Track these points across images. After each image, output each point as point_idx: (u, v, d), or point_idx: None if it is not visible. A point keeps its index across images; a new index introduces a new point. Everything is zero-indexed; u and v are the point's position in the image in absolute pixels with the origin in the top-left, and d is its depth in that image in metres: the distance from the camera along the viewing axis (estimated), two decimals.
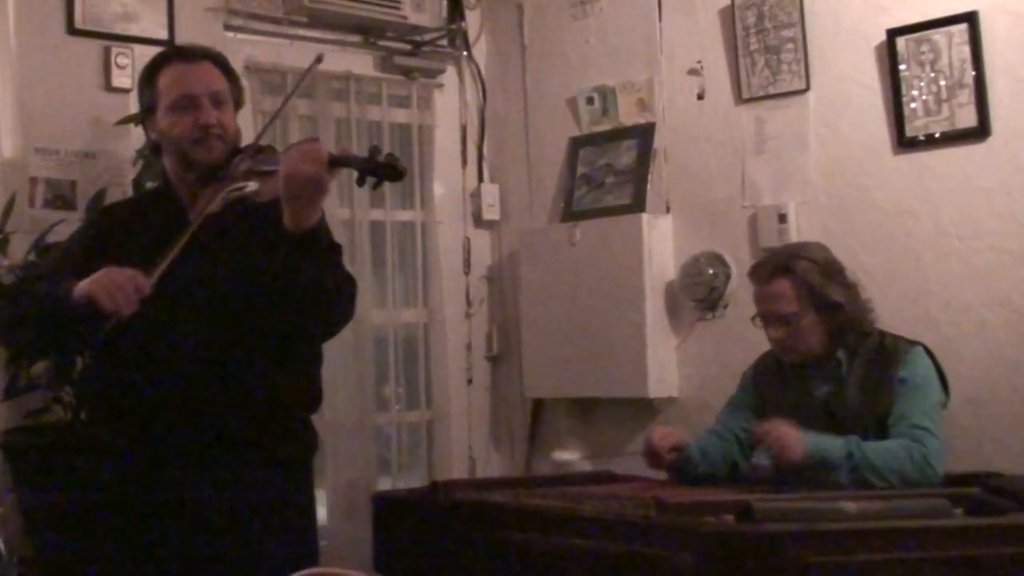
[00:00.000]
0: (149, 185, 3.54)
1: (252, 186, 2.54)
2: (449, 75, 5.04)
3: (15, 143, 3.86)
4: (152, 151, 2.78)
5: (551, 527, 2.79)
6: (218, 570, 2.56)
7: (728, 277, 4.22)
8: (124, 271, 2.38)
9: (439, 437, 4.84)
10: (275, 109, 4.04)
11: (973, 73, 3.64)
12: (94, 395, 2.75)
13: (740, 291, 4.02)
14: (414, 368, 4.86)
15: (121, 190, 3.86)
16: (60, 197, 3.89)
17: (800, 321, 3.14)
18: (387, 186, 4.61)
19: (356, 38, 4.76)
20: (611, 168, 4.59)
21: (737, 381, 3.46)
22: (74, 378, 3.44)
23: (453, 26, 4.96)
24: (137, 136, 3.60)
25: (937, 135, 3.73)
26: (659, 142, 4.48)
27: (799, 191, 4.07)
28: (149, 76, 2.69)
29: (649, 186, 4.47)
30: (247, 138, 2.74)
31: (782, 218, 4.07)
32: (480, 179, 5.10)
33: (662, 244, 4.40)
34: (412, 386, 4.87)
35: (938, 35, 3.71)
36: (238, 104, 2.72)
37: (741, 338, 3.63)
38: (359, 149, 2.47)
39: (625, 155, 4.56)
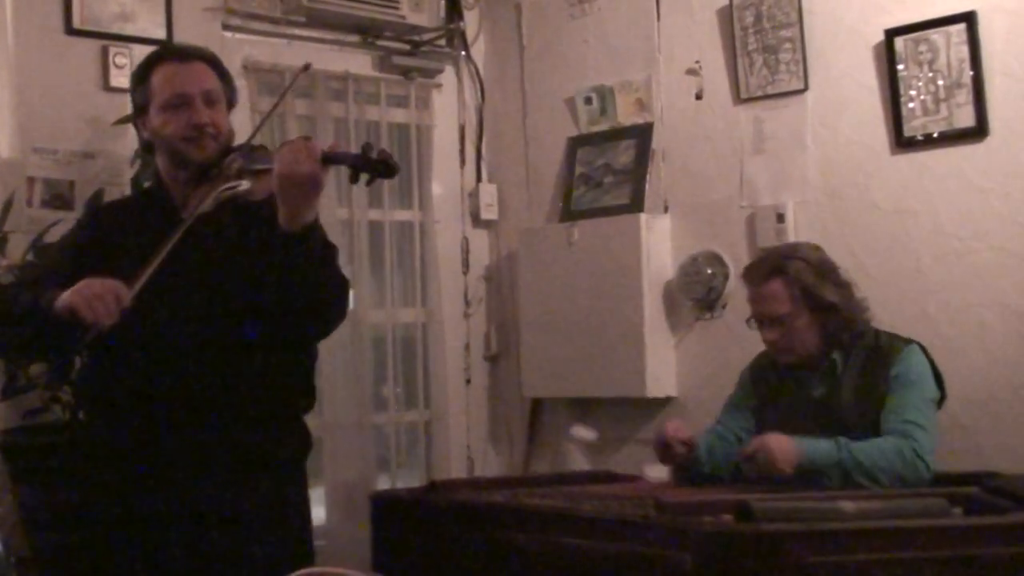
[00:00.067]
0: (146, 185, 3.54)
1: (245, 185, 2.54)
2: (447, 75, 5.04)
3: (13, 143, 3.86)
4: (144, 150, 2.78)
5: (550, 527, 2.79)
6: (215, 570, 2.56)
7: (726, 277, 4.22)
8: (105, 282, 2.37)
9: (437, 437, 4.84)
10: (276, 111, 4.05)
11: (971, 73, 3.64)
12: (90, 395, 2.75)
13: (738, 291, 4.01)
14: (412, 368, 4.86)
15: (119, 190, 3.86)
16: (58, 197, 3.89)
17: (794, 322, 3.14)
18: (385, 186, 4.68)
19: (354, 38, 4.76)
20: (609, 168, 4.59)
21: (735, 380, 3.46)
22: (73, 378, 3.44)
23: (451, 26, 4.96)
24: (135, 136, 3.59)
25: (935, 135, 3.73)
26: (657, 142, 4.48)
27: (797, 191, 4.07)
28: (142, 75, 2.69)
29: (647, 186, 4.47)
30: (244, 138, 2.74)
31: (780, 218, 4.08)
32: (478, 179, 5.10)
33: (660, 244, 4.40)
34: (410, 386, 4.87)
35: (936, 35, 3.71)
36: (231, 104, 2.72)
37: (739, 338, 3.63)
38: (357, 149, 2.47)
39: (623, 155, 4.56)
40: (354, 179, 2.45)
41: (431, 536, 3.10)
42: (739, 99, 4.24)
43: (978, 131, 3.64)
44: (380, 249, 4.74)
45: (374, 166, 2.42)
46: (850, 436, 2.99)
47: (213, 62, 2.71)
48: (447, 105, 5.04)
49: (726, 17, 4.26)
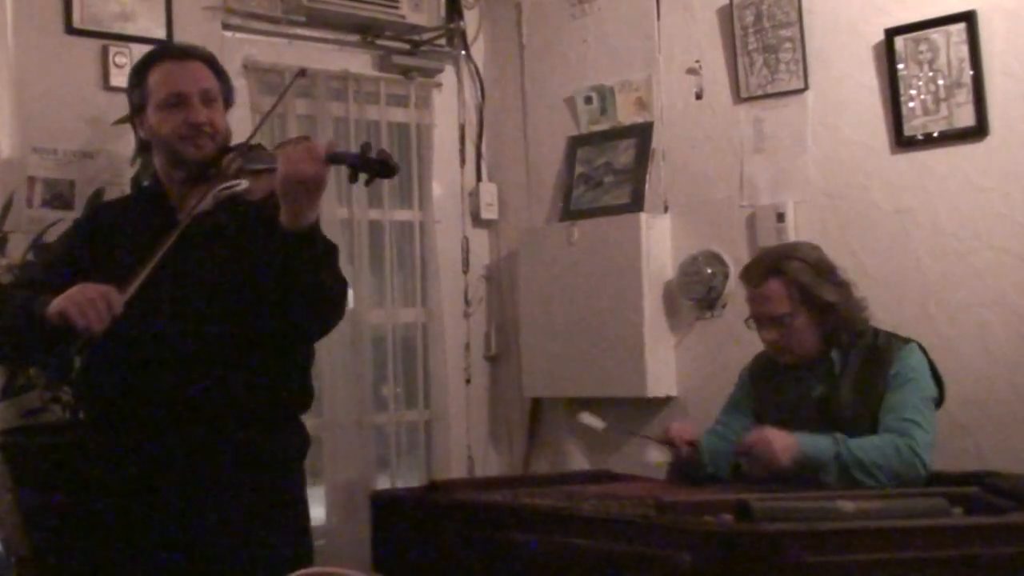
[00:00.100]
0: (145, 184, 3.55)
1: (244, 184, 2.54)
2: (447, 74, 5.04)
3: (13, 142, 3.86)
4: (141, 150, 2.78)
5: (550, 526, 2.79)
6: (214, 570, 2.56)
7: (726, 276, 4.22)
8: (98, 287, 2.37)
9: (437, 436, 4.84)
10: (275, 111, 4.05)
11: (971, 72, 3.64)
12: (88, 395, 2.75)
13: (738, 290, 4.00)
14: (412, 367, 4.86)
15: (119, 189, 3.86)
16: (58, 196, 3.89)
17: (793, 322, 3.14)
18: (386, 186, 4.68)
19: (354, 37, 4.76)
20: (609, 167, 4.59)
21: (735, 380, 3.46)
22: (73, 378, 3.44)
23: (451, 25, 4.96)
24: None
25: (935, 134, 3.73)
26: (657, 141, 4.48)
27: (797, 190, 4.07)
28: (139, 74, 2.69)
29: (647, 185, 4.47)
30: (244, 138, 2.74)
31: (780, 217, 4.08)
32: (478, 178, 5.10)
33: (660, 243, 4.40)
34: (410, 386, 4.86)
35: (936, 34, 3.71)
36: (228, 103, 2.72)
37: (739, 337, 3.63)
38: (356, 149, 2.47)
39: (623, 154, 4.56)
40: (353, 179, 2.45)
41: (431, 536, 3.10)
42: (739, 99, 4.24)
43: (978, 131, 3.64)
44: (380, 249, 4.73)
45: (373, 166, 2.43)
46: (849, 435, 2.99)
47: (210, 61, 2.71)
48: (447, 105, 5.04)
49: (726, 16, 4.26)
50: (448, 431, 4.87)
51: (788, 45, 4.07)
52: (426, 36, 4.88)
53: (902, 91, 3.79)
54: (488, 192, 5.06)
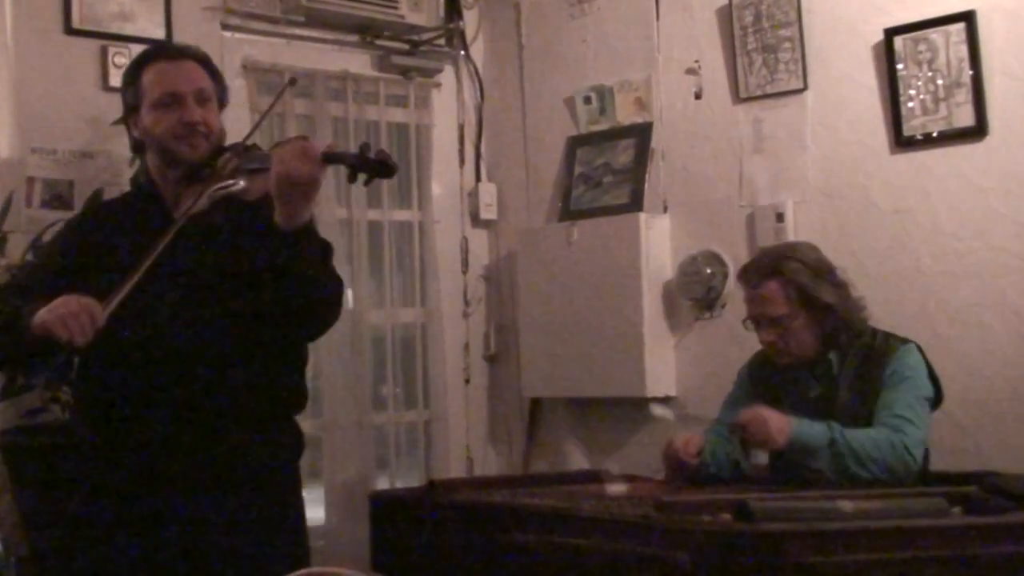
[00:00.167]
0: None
1: (240, 184, 2.53)
2: (447, 74, 5.04)
3: (12, 143, 3.85)
4: (134, 150, 2.77)
5: (549, 526, 2.79)
6: (212, 570, 2.56)
7: (726, 276, 4.22)
8: (81, 300, 2.35)
9: (437, 436, 4.84)
10: (275, 111, 4.05)
11: (971, 72, 3.64)
12: (86, 395, 2.75)
13: (737, 290, 3.99)
14: (412, 368, 4.86)
15: (119, 189, 3.85)
16: (57, 197, 3.89)
17: (791, 323, 3.13)
18: (385, 186, 4.68)
19: (354, 37, 4.76)
20: (609, 167, 4.59)
21: (735, 379, 3.46)
22: (72, 378, 3.44)
23: (451, 25, 4.96)
24: None
25: (935, 134, 3.73)
26: (656, 141, 4.48)
27: (797, 190, 4.07)
28: (132, 74, 2.68)
29: (647, 185, 4.47)
30: (241, 139, 2.73)
31: (779, 217, 4.08)
32: (478, 178, 5.09)
33: (660, 243, 4.40)
34: (410, 386, 4.86)
35: (936, 34, 3.71)
36: (222, 103, 2.72)
37: (739, 337, 3.63)
38: (355, 149, 2.47)
39: (623, 154, 4.56)
40: (352, 179, 2.45)
41: (430, 536, 3.10)
42: (738, 98, 4.24)
43: (977, 130, 3.64)
44: (379, 249, 4.73)
45: (372, 166, 2.42)
46: None
47: (204, 61, 2.70)
48: (446, 105, 5.04)
49: (725, 16, 4.26)
50: (447, 431, 4.87)
51: (787, 45, 4.07)
52: (425, 36, 4.88)
53: (901, 91, 3.79)
54: (487, 192, 5.06)
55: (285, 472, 2.72)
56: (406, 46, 4.88)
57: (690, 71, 4.39)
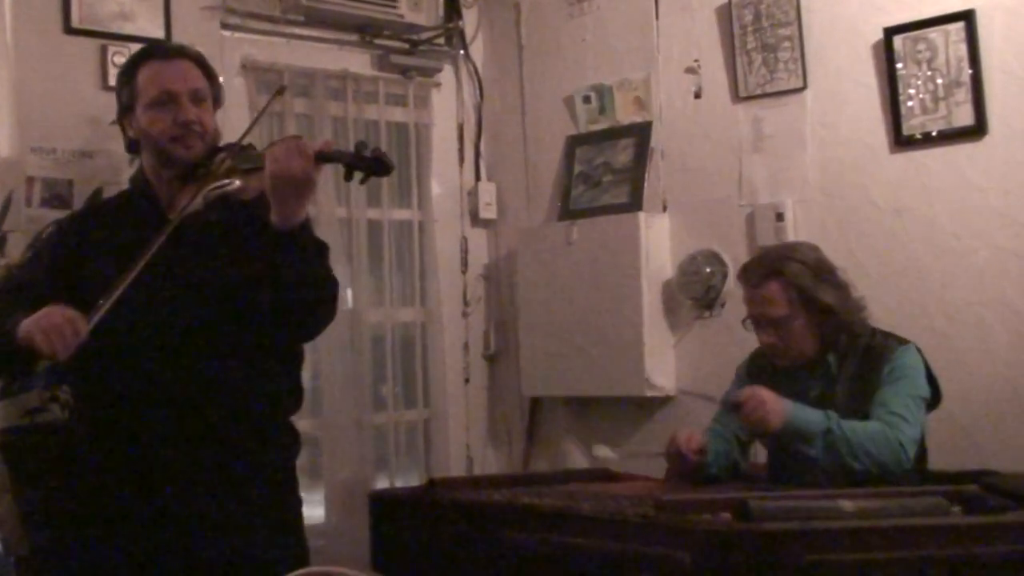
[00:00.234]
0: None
1: (236, 184, 2.52)
2: (446, 74, 5.04)
3: (12, 142, 3.85)
4: (129, 149, 2.77)
5: (548, 526, 2.79)
6: (211, 570, 2.56)
7: (725, 276, 4.22)
8: (65, 313, 2.35)
9: (436, 436, 4.84)
10: (273, 110, 4.05)
11: (970, 71, 3.64)
12: (83, 395, 2.75)
13: (737, 289, 3.99)
14: (411, 367, 4.86)
15: (118, 188, 3.83)
16: (57, 196, 3.89)
17: (791, 325, 3.12)
18: (384, 185, 4.68)
19: (353, 37, 4.76)
20: (608, 167, 4.59)
21: (732, 378, 3.46)
22: (70, 378, 3.43)
23: (450, 25, 4.96)
24: None
25: (934, 133, 3.74)
26: (656, 140, 4.48)
27: (796, 189, 4.08)
28: (127, 74, 2.67)
29: (646, 184, 4.47)
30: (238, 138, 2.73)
31: (779, 216, 4.08)
32: (477, 178, 5.10)
33: (659, 243, 4.40)
34: (409, 385, 4.87)
35: (935, 33, 3.72)
36: (217, 103, 2.71)
37: (738, 336, 3.62)
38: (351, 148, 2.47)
39: (622, 153, 4.56)
40: (348, 177, 2.45)
41: (430, 535, 3.10)
42: (738, 98, 4.24)
43: (977, 130, 3.64)
44: (379, 248, 4.73)
45: (368, 164, 2.42)
46: None
47: (199, 60, 2.70)
48: (446, 104, 5.04)
49: (725, 15, 4.26)
50: (447, 430, 4.87)
51: (787, 44, 4.08)
52: (425, 36, 4.88)
53: (901, 90, 3.79)
54: (487, 191, 5.06)
55: (282, 472, 2.72)
56: (406, 45, 4.88)
57: (689, 70, 4.39)
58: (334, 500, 4.49)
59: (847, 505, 2.56)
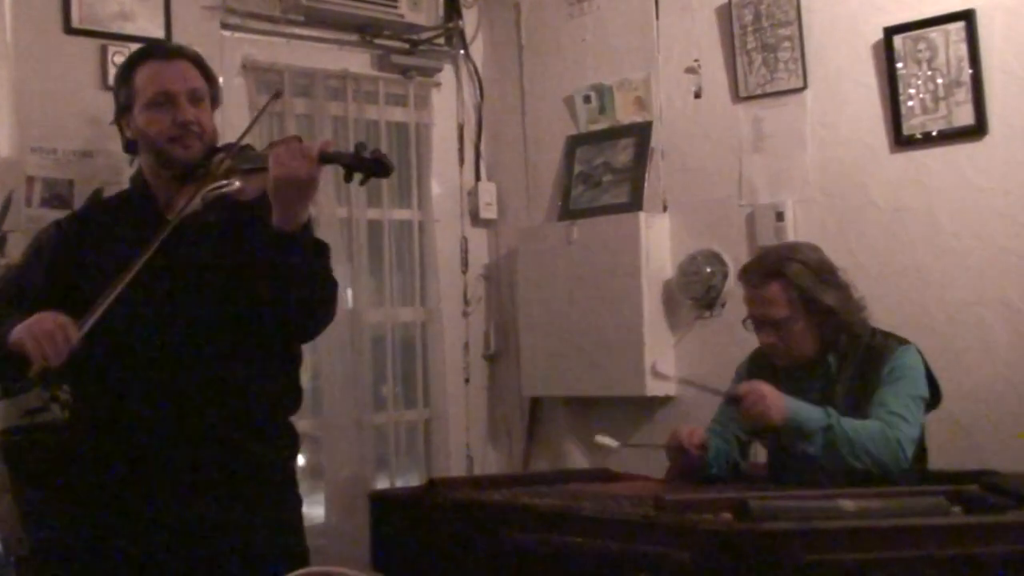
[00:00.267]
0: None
1: (235, 184, 2.52)
2: (446, 74, 5.04)
3: (12, 142, 3.85)
4: (127, 149, 2.76)
5: (548, 526, 2.79)
6: (211, 570, 2.56)
7: (725, 275, 4.22)
8: (57, 319, 2.35)
9: (437, 436, 4.84)
10: (273, 110, 4.05)
11: (970, 71, 3.64)
12: (83, 395, 2.75)
13: (737, 289, 3.98)
14: (412, 367, 4.86)
15: (118, 188, 3.84)
16: (57, 196, 3.89)
17: (792, 326, 3.12)
18: (384, 185, 4.68)
19: (353, 37, 4.76)
20: (608, 166, 4.59)
21: (732, 378, 3.46)
22: (69, 378, 3.43)
23: (450, 25, 4.96)
24: None
25: (934, 133, 3.74)
26: (656, 140, 4.48)
27: (796, 189, 4.08)
28: (125, 74, 2.67)
29: (646, 184, 4.47)
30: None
31: (779, 216, 4.08)
32: (477, 178, 5.10)
33: (659, 242, 4.40)
34: (410, 385, 4.87)
35: (935, 33, 3.72)
36: (215, 103, 2.71)
37: (739, 336, 3.62)
38: (351, 149, 2.47)
39: (622, 153, 4.56)
40: (348, 178, 2.45)
41: (430, 535, 3.10)
42: (738, 97, 4.24)
43: (977, 129, 3.64)
44: (379, 248, 4.73)
45: (368, 165, 2.43)
46: None
47: (197, 61, 2.69)
48: (446, 104, 5.04)
49: (725, 15, 4.26)
50: (447, 430, 4.87)
51: (787, 44, 4.08)
52: (425, 35, 4.88)
53: (901, 90, 3.79)
54: (487, 191, 5.06)
55: (281, 472, 2.72)
56: (406, 45, 4.88)
57: (690, 70, 4.39)
58: (334, 500, 4.49)
59: (847, 505, 2.56)
